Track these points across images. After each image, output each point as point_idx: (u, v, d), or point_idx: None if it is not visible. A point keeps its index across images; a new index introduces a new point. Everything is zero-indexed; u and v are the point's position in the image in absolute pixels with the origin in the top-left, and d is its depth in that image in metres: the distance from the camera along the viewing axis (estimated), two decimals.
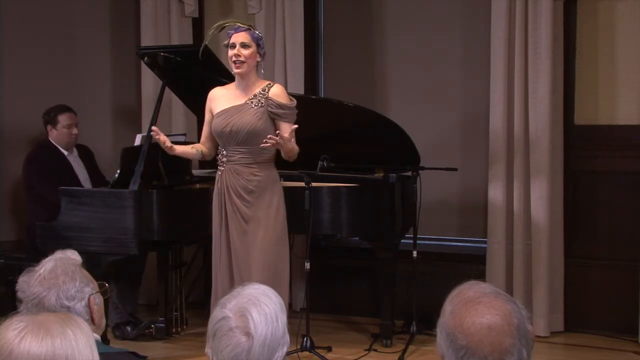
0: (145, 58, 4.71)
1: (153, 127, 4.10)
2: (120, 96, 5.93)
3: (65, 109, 5.07)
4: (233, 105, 3.95)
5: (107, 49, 5.91)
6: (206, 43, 4.20)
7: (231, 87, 4.05)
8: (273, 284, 3.68)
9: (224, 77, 4.60)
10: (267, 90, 3.95)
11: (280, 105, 3.93)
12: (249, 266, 3.91)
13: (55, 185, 4.57)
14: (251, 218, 3.93)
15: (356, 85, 5.65)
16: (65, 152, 5.07)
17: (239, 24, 3.97)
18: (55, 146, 5.05)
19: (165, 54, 4.65)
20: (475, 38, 5.32)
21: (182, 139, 5.33)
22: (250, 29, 3.94)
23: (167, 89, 4.76)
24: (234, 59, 3.90)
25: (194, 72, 4.64)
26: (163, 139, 4.04)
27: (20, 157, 5.21)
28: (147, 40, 5.64)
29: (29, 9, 5.56)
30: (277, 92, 3.97)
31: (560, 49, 4.89)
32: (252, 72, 3.95)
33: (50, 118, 5.04)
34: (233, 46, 3.90)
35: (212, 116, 4.04)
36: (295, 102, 4.01)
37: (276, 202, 3.98)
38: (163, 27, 5.71)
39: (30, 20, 5.56)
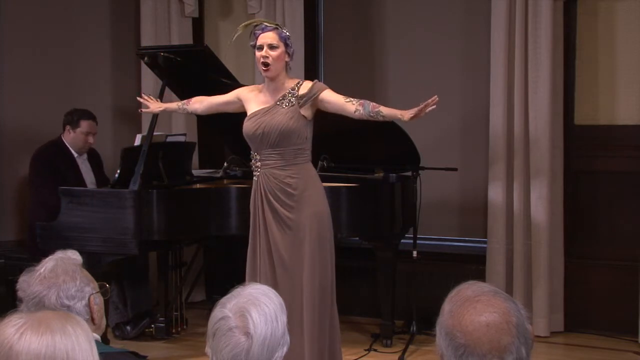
0: (145, 58, 4.72)
1: (142, 97, 4.35)
2: (120, 96, 5.92)
3: (90, 116, 4.99)
4: (262, 107, 3.76)
5: (107, 49, 5.91)
6: (232, 41, 3.96)
7: (261, 88, 3.84)
8: (320, 295, 3.72)
9: (225, 78, 4.61)
10: (297, 89, 3.72)
11: (309, 91, 3.70)
12: (296, 274, 3.72)
13: (58, 188, 4.52)
14: (294, 222, 3.70)
15: (356, 85, 5.64)
16: (76, 155, 5.01)
17: (266, 23, 3.75)
18: (67, 146, 4.98)
19: (165, 54, 4.66)
20: (475, 38, 5.32)
21: (182, 139, 5.34)
22: (277, 28, 3.71)
23: (167, 89, 4.75)
24: (262, 60, 3.67)
25: (194, 72, 4.64)
26: (154, 106, 4.30)
27: (20, 156, 5.20)
28: (147, 40, 5.64)
29: (29, 9, 5.56)
30: (307, 87, 3.75)
31: (560, 49, 4.89)
32: (281, 73, 3.72)
33: (72, 120, 4.95)
34: (260, 48, 3.68)
35: (238, 100, 3.87)
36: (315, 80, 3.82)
37: (318, 204, 3.74)
38: (163, 27, 5.72)
39: (30, 20, 5.55)
